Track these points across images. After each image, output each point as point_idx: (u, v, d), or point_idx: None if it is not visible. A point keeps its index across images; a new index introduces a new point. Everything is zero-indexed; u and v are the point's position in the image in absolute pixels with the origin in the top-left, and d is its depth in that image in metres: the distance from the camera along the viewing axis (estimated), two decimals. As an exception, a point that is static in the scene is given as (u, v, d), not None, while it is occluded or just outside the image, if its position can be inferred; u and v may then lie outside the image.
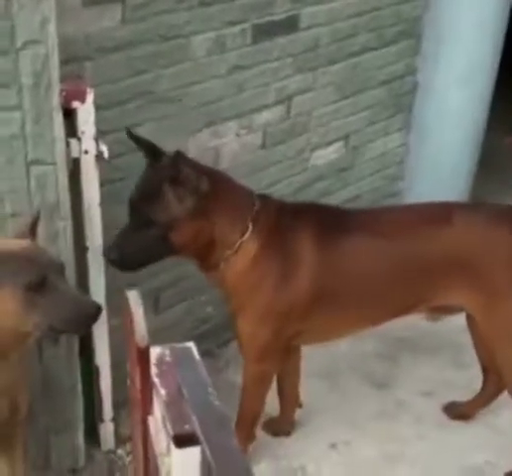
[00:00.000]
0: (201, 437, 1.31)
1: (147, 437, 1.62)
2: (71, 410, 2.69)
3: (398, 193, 4.02)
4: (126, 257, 2.41)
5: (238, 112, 3.08)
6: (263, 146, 3.26)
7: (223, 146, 3.10)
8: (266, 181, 3.32)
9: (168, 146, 2.82)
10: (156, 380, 1.45)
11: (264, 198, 2.58)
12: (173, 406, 1.40)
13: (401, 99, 3.83)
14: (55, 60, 2.23)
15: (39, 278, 1.95)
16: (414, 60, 3.80)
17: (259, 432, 2.88)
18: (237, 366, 3.14)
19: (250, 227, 2.47)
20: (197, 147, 2.97)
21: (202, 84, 2.89)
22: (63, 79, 2.30)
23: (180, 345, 1.51)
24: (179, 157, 2.33)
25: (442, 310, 2.80)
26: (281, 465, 2.87)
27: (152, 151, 2.45)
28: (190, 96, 2.87)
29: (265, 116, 3.21)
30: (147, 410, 1.58)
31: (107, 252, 2.44)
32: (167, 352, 1.48)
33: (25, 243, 2.09)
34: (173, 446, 1.34)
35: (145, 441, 1.66)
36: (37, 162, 2.32)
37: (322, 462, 2.90)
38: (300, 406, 3.06)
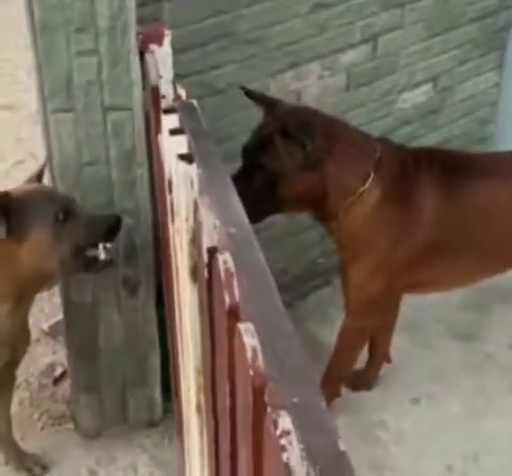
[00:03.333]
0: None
1: (159, 155, 2.03)
2: (149, 362, 2.66)
3: (489, 138, 3.83)
4: None
5: (321, 53, 2.95)
6: (347, 88, 3.12)
7: (305, 88, 2.97)
8: (349, 126, 3.19)
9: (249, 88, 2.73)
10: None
11: (385, 143, 2.49)
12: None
13: (494, 36, 3.61)
14: (131, 2, 2.15)
15: (62, 209, 2.13)
16: (508, -6, 3.57)
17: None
18: (314, 320, 3.08)
19: (372, 175, 2.38)
20: (279, 89, 2.85)
21: (284, 24, 2.76)
22: (140, 22, 2.22)
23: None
24: (294, 112, 2.35)
25: None
26: (360, 420, 2.79)
27: (266, 101, 2.44)
28: (271, 37, 2.74)
29: (349, 56, 3.06)
30: (157, 130, 2.02)
31: None
32: (176, 104, 1.90)
33: (36, 185, 2.26)
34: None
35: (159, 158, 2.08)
36: (114, 107, 2.26)
37: (404, 417, 2.83)
38: (388, 361, 2.98)
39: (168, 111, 1.90)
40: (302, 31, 2.85)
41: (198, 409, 1.81)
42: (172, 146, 1.72)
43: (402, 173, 2.42)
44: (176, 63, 2.31)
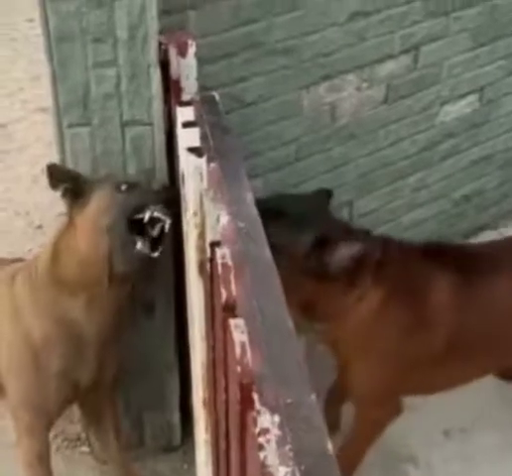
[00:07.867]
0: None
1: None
2: (167, 385, 2.57)
3: (535, 153, 3.66)
4: None
5: (359, 64, 2.81)
6: (386, 100, 2.98)
7: (341, 101, 2.84)
8: (388, 140, 3.05)
9: (279, 101, 2.61)
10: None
11: (387, 244, 2.36)
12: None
13: (544, 47, 3.43)
14: (152, 11, 2.05)
15: (125, 181, 2.12)
16: (560, 2, 3.39)
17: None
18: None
19: (369, 280, 2.27)
20: (312, 102, 2.74)
21: (319, 34, 2.63)
22: (163, 31, 2.11)
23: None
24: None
25: None
26: (388, 454, 2.63)
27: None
28: (304, 47, 2.62)
29: (389, 67, 2.92)
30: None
31: None
32: (197, 97, 1.94)
33: None
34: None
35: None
36: (132, 122, 2.17)
37: (434, 451, 2.68)
38: None
39: (184, 104, 1.92)
40: (338, 40, 2.71)
41: (205, 403, 1.82)
42: (184, 139, 1.72)
43: (408, 273, 2.33)
44: (201, 75, 2.20)
